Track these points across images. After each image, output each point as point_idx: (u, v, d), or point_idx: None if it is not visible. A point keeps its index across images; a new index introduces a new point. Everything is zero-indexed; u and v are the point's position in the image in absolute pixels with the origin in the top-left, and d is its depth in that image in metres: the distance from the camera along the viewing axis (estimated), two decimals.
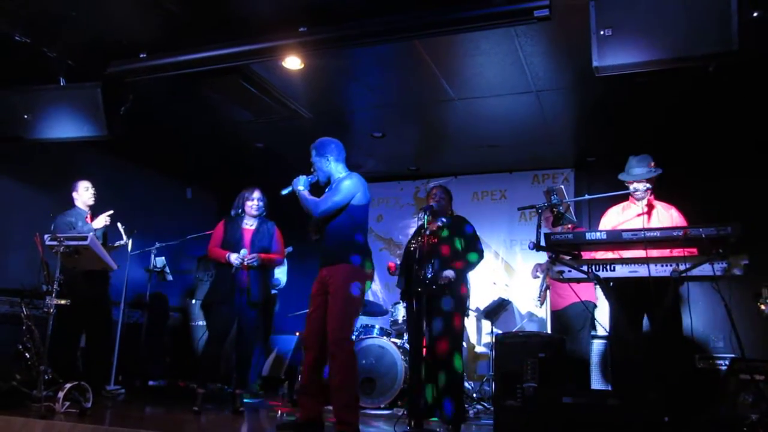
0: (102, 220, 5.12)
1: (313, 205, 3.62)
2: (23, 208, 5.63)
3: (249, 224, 4.75)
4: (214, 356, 4.63)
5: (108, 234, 5.35)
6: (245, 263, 4.55)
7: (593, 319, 4.88)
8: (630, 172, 3.92)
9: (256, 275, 4.65)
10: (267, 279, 4.90)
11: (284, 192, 3.73)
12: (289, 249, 6.40)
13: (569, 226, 4.35)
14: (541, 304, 5.46)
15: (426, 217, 4.24)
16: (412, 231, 4.70)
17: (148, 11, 4.05)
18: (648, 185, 3.89)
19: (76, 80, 4.71)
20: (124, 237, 5.31)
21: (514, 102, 5.25)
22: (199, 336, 6.59)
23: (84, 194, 5.19)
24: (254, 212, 4.75)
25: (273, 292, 6.49)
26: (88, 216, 5.19)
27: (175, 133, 6.32)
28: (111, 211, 5.18)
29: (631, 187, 3.89)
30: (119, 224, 5.32)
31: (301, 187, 3.68)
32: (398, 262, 4.55)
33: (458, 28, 3.81)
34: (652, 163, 3.90)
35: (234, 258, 4.54)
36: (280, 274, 6.62)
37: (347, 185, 3.61)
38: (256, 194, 4.77)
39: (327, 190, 3.75)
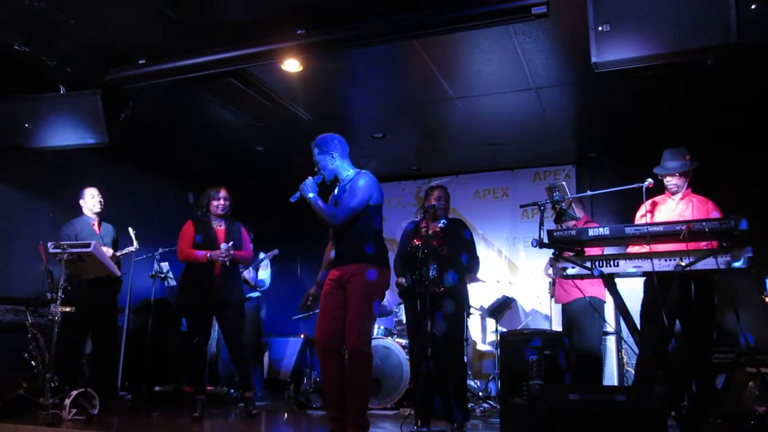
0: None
1: (330, 216, 3.47)
2: (26, 216, 5.65)
3: (218, 225, 4.72)
4: (202, 361, 4.59)
5: (119, 240, 5.37)
6: (228, 257, 4.50)
7: (601, 314, 4.84)
8: (664, 165, 3.82)
9: (227, 275, 4.61)
10: (239, 278, 4.86)
11: (293, 199, 3.55)
12: (275, 251, 6.35)
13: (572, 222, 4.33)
14: (552, 296, 5.44)
15: (427, 215, 4.24)
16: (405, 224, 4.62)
17: (147, 17, 4.05)
18: (682, 179, 3.81)
19: (75, 88, 4.72)
20: (135, 242, 5.29)
21: (513, 99, 5.24)
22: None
23: (90, 201, 5.19)
24: (219, 212, 4.72)
25: (257, 294, 6.41)
26: (95, 223, 5.20)
27: (176, 138, 6.32)
28: None
29: (665, 181, 3.82)
30: (130, 229, 5.31)
31: (311, 195, 3.46)
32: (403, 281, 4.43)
33: (456, 27, 3.80)
34: (688, 156, 3.80)
35: (217, 255, 4.48)
36: (264, 275, 6.51)
37: (363, 186, 3.47)
38: (222, 194, 4.75)
39: (336, 190, 3.64)
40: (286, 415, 5.11)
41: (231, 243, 4.56)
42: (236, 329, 4.66)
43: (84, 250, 4.22)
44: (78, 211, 5.21)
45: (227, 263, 4.53)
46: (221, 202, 4.73)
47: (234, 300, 4.63)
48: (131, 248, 5.27)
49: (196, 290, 4.53)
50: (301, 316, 6.63)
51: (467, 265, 4.33)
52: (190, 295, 4.57)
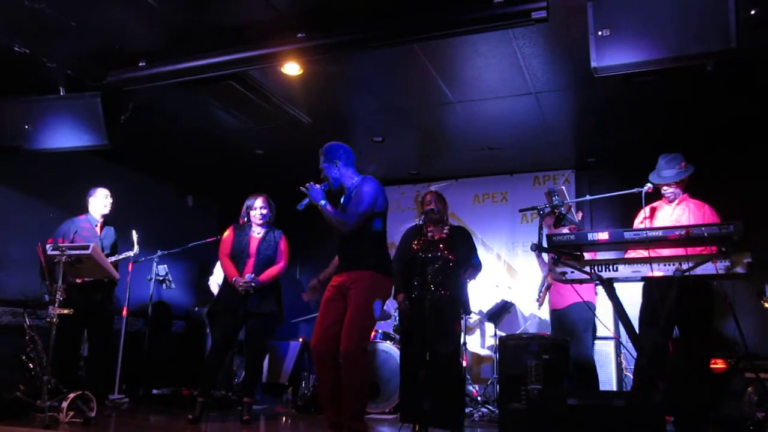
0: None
1: (340, 223, 3.46)
2: (25, 218, 5.63)
3: (256, 232, 4.69)
4: (216, 364, 4.58)
5: (118, 243, 5.35)
6: (249, 289, 4.50)
7: (595, 320, 4.84)
8: (660, 173, 3.84)
9: (260, 288, 4.56)
10: (273, 290, 4.74)
11: (300, 206, 3.53)
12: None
13: (571, 227, 4.33)
14: (540, 305, 5.39)
15: (425, 219, 4.24)
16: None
17: (147, 20, 4.05)
18: (678, 187, 3.84)
19: (75, 90, 4.72)
20: (135, 247, 5.24)
21: (513, 104, 5.25)
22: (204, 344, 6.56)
23: (102, 201, 5.16)
24: (258, 221, 4.67)
25: None
26: (98, 225, 5.18)
27: (175, 140, 6.32)
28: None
29: (662, 190, 3.84)
30: (134, 232, 5.28)
31: (322, 202, 3.46)
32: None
33: (456, 31, 3.81)
34: (683, 163, 3.82)
35: (238, 283, 4.47)
36: None
37: (368, 191, 3.48)
38: (258, 202, 4.68)
39: (342, 198, 3.66)
40: (284, 418, 5.09)
41: (253, 275, 4.52)
42: (259, 339, 4.65)
43: (83, 252, 4.20)
44: (83, 209, 5.18)
45: (250, 291, 4.49)
46: (257, 210, 4.67)
47: (262, 311, 4.59)
48: (129, 253, 5.23)
49: (228, 298, 4.55)
50: (301, 319, 6.63)
51: (475, 267, 4.43)
52: (221, 301, 4.62)
